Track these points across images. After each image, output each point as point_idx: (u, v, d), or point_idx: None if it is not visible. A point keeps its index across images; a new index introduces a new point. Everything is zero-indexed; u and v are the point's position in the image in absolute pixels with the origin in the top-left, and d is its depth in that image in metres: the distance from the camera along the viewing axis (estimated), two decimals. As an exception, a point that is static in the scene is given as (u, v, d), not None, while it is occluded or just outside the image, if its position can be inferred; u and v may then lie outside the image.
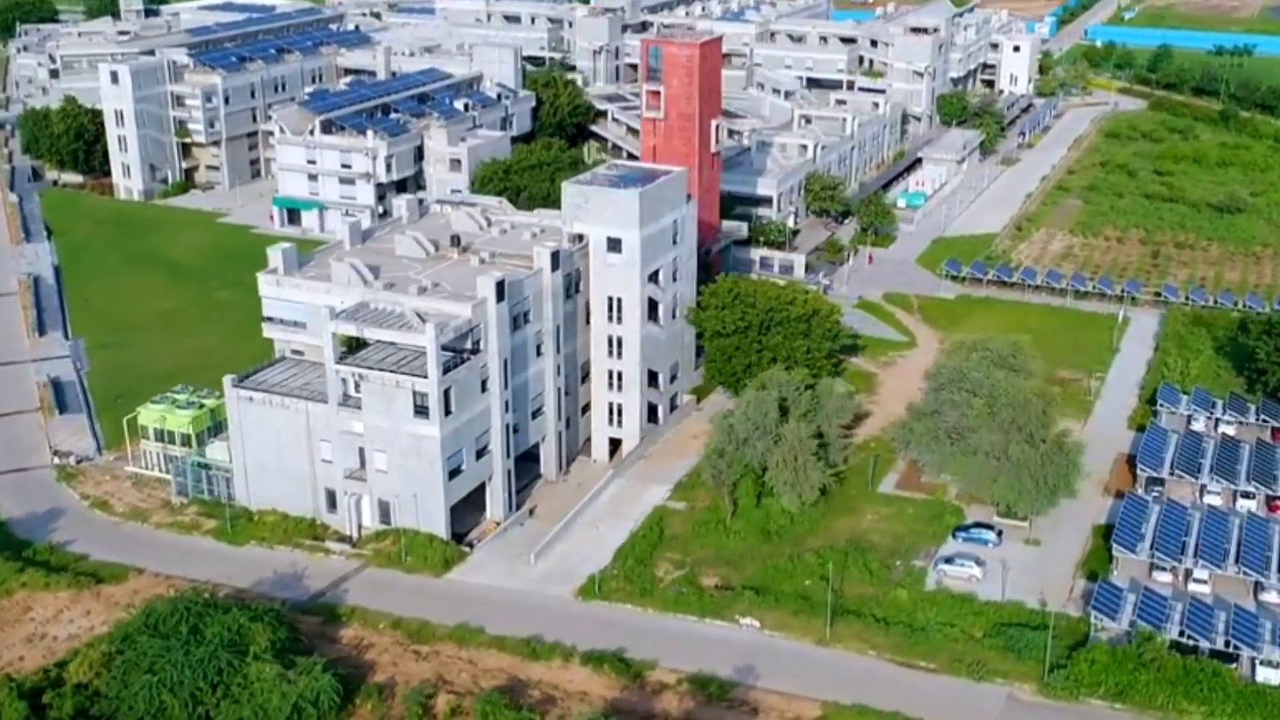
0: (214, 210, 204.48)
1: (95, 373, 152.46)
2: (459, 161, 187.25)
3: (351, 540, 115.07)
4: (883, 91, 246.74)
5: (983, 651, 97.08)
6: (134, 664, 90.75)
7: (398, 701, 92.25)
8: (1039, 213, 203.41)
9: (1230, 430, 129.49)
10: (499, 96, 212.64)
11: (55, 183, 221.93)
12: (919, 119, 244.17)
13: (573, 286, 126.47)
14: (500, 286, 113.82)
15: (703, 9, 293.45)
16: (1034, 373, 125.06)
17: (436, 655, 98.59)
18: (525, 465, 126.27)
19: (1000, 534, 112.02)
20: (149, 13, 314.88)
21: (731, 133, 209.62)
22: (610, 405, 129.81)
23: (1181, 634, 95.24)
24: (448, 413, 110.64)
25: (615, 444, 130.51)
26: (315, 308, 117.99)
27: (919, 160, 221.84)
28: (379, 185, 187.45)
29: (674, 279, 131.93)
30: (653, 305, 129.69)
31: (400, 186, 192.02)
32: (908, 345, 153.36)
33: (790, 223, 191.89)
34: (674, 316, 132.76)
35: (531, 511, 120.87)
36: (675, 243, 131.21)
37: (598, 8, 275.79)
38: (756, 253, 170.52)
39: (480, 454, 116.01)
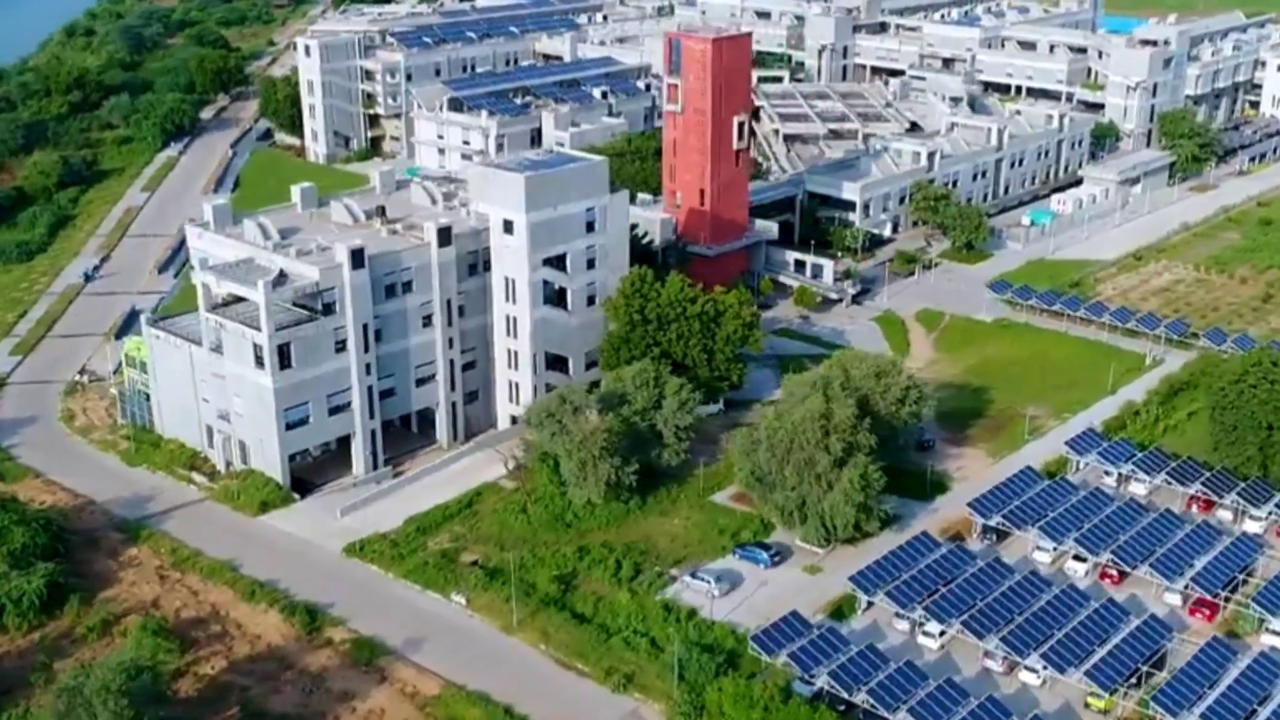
0: (367, 177, 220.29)
1: (170, 308, 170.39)
2: (562, 145, 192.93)
3: (211, 475, 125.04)
4: (1100, 105, 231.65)
5: (650, 665, 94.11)
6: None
7: (94, 613, 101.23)
8: (1180, 243, 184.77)
9: (1141, 489, 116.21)
10: (647, 87, 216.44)
11: (273, 143, 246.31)
12: (1128, 135, 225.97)
13: (481, 264, 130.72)
14: (357, 254, 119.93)
15: (951, 13, 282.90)
16: (906, 397, 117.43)
17: (176, 582, 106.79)
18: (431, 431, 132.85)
19: (777, 556, 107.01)
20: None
21: (866, 136, 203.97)
22: (510, 383, 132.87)
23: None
24: (286, 366, 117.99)
25: (516, 421, 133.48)
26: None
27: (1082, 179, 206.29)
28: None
29: (589, 267, 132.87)
30: (561, 291, 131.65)
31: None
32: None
33: (887, 230, 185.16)
34: (590, 304, 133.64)
35: (399, 473, 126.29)
36: (591, 231, 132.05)
37: (831, 6, 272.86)
38: (791, 255, 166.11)
39: (336, 411, 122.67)
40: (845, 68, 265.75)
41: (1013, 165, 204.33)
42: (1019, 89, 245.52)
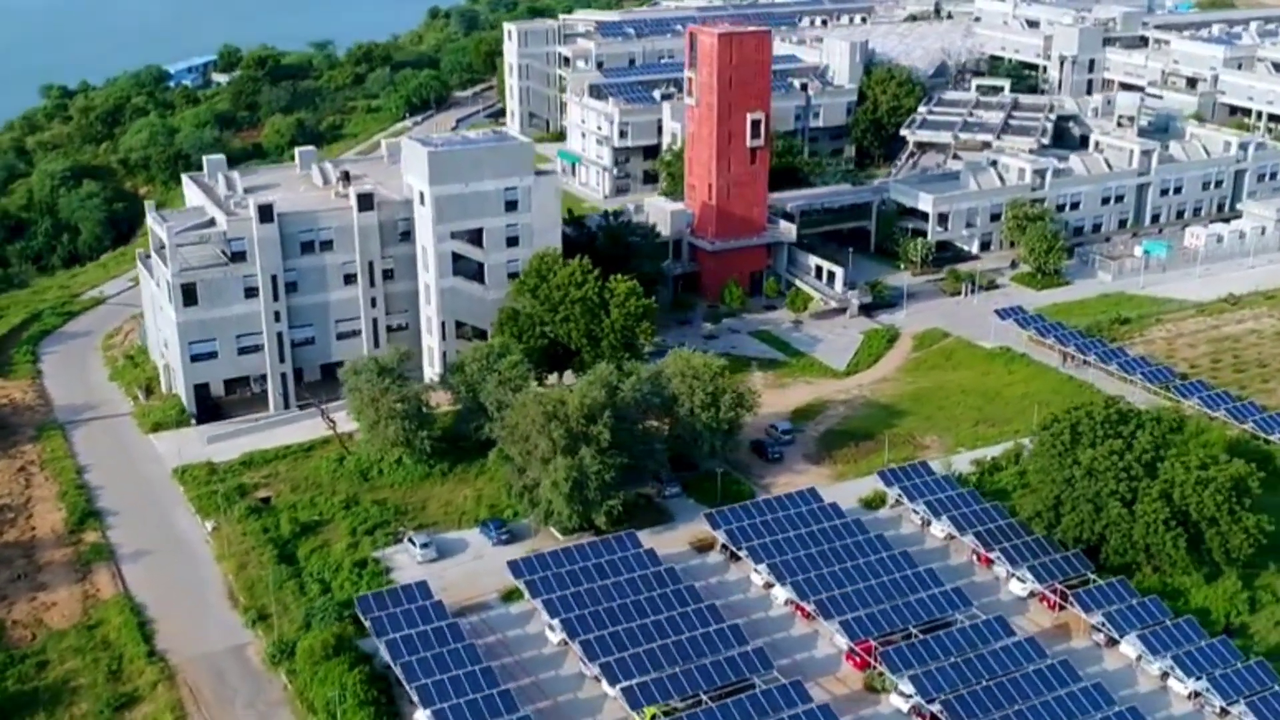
0: (547, 157, 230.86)
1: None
2: (675, 135, 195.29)
3: (149, 393, 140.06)
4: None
5: (295, 616, 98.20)
6: None
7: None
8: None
9: (939, 531, 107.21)
10: (803, 86, 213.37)
11: (500, 120, 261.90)
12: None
13: (413, 232, 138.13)
14: (265, 209, 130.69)
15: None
16: (717, 403, 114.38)
17: (27, 477, 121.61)
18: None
19: (506, 534, 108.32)
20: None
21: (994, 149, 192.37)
22: (427, 347, 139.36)
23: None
24: (191, 304, 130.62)
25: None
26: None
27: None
28: (614, 149, 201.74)
29: (510, 244, 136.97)
30: (480, 265, 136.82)
31: (649, 152, 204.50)
32: (833, 376, 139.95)
33: (974, 247, 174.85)
34: (513, 280, 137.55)
35: (303, 408, 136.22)
36: (513, 210, 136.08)
37: (1090, 17, 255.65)
38: (812, 259, 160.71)
39: (246, 351, 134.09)
40: (1090, 81, 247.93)
41: (1165, 193, 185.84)
42: (1259, 114, 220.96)
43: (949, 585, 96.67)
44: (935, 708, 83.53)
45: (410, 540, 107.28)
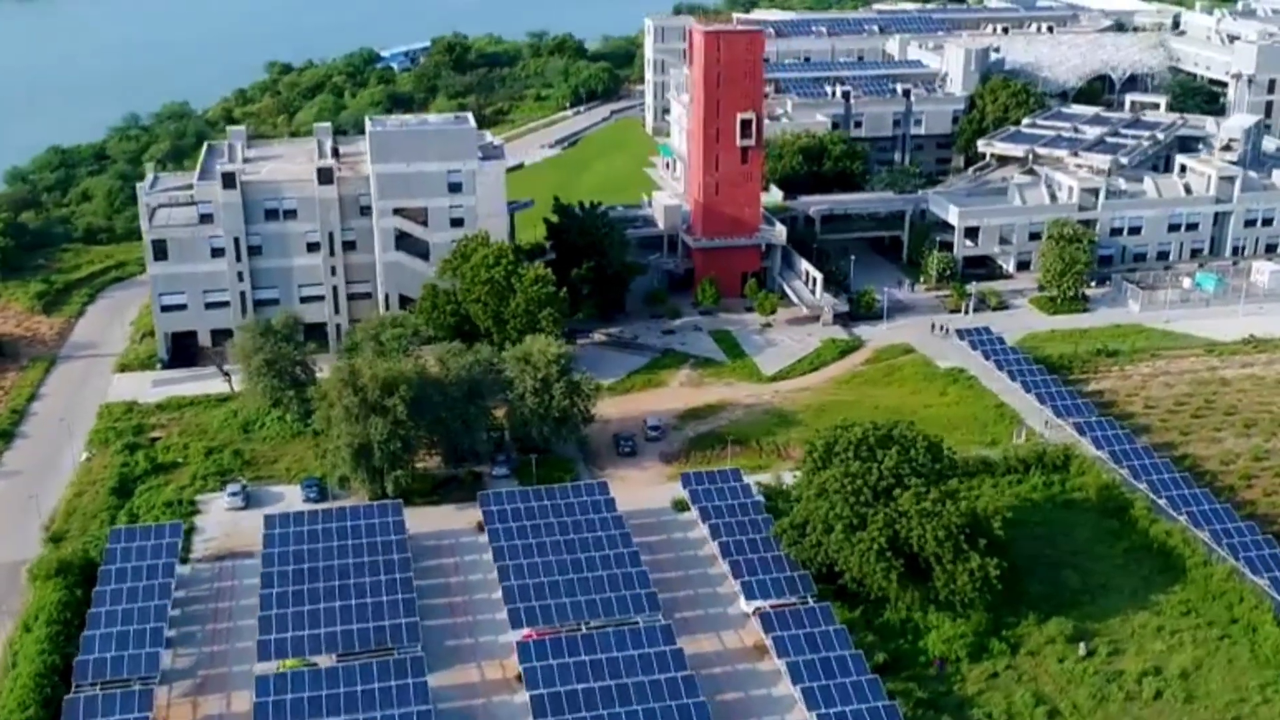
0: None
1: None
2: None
3: (144, 338, 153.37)
4: None
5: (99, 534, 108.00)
6: None
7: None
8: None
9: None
10: (905, 92, 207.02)
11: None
12: None
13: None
14: (228, 177, 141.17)
15: None
16: (547, 390, 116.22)
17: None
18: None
19: (315, 493, 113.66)
20: None
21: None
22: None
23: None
24: (161, 258, 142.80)
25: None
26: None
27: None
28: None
29: (454, 225, 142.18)
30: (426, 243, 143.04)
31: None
32: (758, 380, 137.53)
33: (1010, 264, 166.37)
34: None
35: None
36: (457, 192, 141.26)
37: (1270, 33, 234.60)
38: (803, 265, 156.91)
39: (213, 306, 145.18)
40: (1270, 103, 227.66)
41: (1250, 223, 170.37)
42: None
43: (644, 590, 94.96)
44: (527, 699, 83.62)
45: (227, 488, 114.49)
